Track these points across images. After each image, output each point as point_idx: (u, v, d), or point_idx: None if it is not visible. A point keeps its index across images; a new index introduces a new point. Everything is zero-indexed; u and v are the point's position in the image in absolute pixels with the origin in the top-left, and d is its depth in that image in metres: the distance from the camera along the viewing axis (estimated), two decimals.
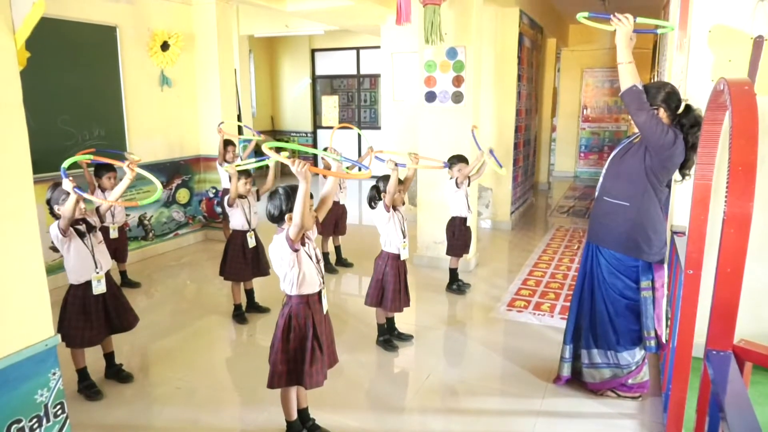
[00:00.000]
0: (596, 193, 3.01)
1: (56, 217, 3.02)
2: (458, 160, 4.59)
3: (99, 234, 3.18)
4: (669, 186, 2.86)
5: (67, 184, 2.79)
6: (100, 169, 4.57)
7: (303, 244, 2.50)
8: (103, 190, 4.54)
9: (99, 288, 3.10)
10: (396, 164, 3.47)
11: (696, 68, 3.39)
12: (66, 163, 2.79)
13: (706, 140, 2.26)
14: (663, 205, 2.84)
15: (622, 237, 2.84)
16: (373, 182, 3.68)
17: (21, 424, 1.82)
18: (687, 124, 2.69)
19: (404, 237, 3.66)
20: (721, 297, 1.71)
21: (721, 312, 1.72)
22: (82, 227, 3.09)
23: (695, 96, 3.31)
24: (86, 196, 2.81)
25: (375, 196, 3.64)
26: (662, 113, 2.71)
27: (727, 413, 1.49)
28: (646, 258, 2.82)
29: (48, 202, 3.04)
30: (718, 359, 1.74)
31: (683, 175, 2.81)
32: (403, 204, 3.76)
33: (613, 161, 2.92)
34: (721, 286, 1.70)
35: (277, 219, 2.50)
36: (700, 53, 3.36)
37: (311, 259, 2.52)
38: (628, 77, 2.64)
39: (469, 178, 4.63)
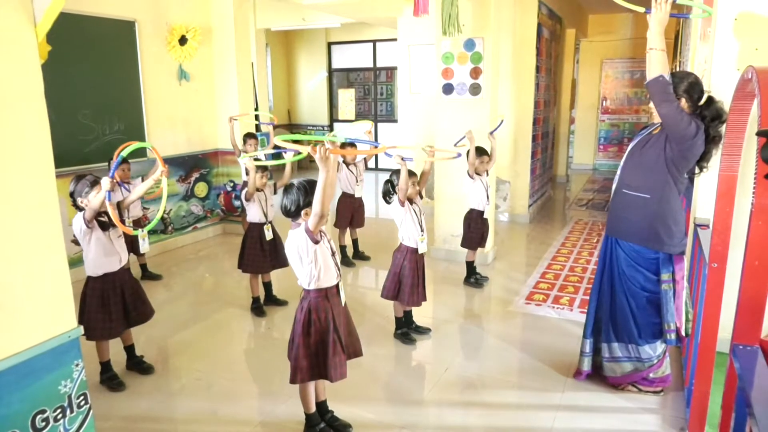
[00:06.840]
0: (614, 186, 2.96)
1: (79, 209, 3.05)
2: (478, 153, 4.56)
3: (118, 228, 3.21)
4: (691, 178, 2.80)
5: (105, 182, 2.86)
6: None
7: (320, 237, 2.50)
8: (119, 182, 4.57)
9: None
10: (402, 158, 3.44)
11: (721, 57, 3.30)
12: (125, 152, 2.92)
13: (733, 130, 2.21)
14: (683, 196, 2.79)
15: (643, 229, 2.80)
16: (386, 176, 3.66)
17: (45, 414, 1.84)
18: (708, 117, 2.62)
19: (422, 231, 3.65)
20: (748, 290, 1.67)
21: (749, 306, 1.69)
22: (105, 219, 3.12)
23: (720, 86, 3.24)
24: (112, 201, 2.96)
25: (389, 191, 3.61)
26: (684, 103, 2.65)
27: (754, 408, 1.46)
28: (667, 250, 2.78)
29: (71, 194, 3.08)
30: (745, 354, 1.70)
31: (701, 168, 2.76)
32: (422, 198, 3.74)
33: (632, 153, 2.87)
34: (749, 279, 1.66)
35: (293, 214, 2.48)
36: (725, 42, 3.27)
37: (329, 251, 2.52)
38: (658, 66, 2.53)
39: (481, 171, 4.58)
